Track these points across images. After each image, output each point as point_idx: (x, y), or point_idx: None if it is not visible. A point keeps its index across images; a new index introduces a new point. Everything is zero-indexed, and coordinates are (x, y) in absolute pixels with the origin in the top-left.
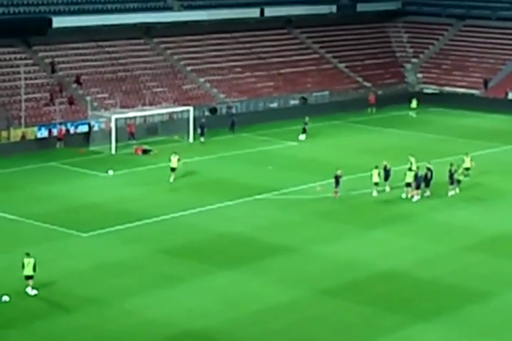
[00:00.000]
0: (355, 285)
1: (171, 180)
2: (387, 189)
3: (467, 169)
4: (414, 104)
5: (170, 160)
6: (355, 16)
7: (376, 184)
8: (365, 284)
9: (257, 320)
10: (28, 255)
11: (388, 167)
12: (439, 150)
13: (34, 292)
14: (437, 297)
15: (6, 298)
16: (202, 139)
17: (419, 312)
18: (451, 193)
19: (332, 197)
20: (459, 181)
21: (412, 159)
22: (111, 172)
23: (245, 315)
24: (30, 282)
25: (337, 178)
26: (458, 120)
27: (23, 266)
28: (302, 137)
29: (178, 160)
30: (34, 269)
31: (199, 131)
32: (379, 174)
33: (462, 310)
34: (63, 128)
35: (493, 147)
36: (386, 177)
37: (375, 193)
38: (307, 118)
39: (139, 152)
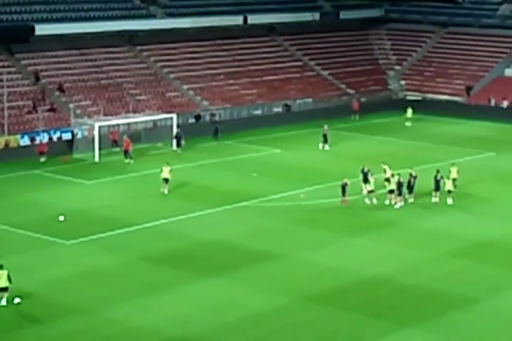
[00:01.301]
0: (340, 291)
1: (165, 191)
2: (365, 192)
3: (454, 180)
4: (409, 113)
5: (162, 171)
6: (338, 24)
7: (370, 191)
8: (350, 291)
9: (242, 328)
10: (1, 267)
11: (366, 170)
12: (422, 157)
13: (17, 300)
14: (421, 303)
15: (17, 300)
16: (179, 150)
17: (404, 318)
18: (434, 200)
19: (338, 204)
20: (449, 191)
21: (385, 166)
22: (61, 217)
23: (230, 322)
24: (6, 294)
25: (344, 186)
26: (441, 127)
27: None
28: (326, 147)
29: (170, 171)
30: (10, 281)
31: (175, 141)
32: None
33: (446, 316)
34: (44, 141)
35: (476, 154)
36: (365, 180)
37: (374, 201)
38: (326, 126)
39: (127, 147)
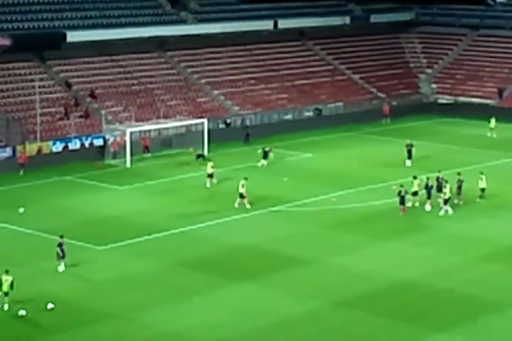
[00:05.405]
0: (371, 296)
1: (248, 206)
2: None
3: (482, 190)
4: (492, 123)
5: (243, 186)
6: (368, 27)
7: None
8: (381, 295)
9: (273, 332)
10: (6, 272)
11: (441, 178)
12: (454, 160)
13: (51, 306)
14: (453, 307)
15: (51, 306)
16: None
17: (436, 322)
18: (456, 202)
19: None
20: (448, 200)
21: (210, 163)
22: (21, 209)
23: (261, 327)
24: (6, 299)
25: (402, 197)
26: (473, 130)
27: (0, 284)
28: (408, 163)
29: (243, 185)
30: (11, 287)
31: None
32: (418, 184)
33: (478, 321)
34: (23, 154)
35: (509, 157)
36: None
37: (450, 210)
38: (409, 141)
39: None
